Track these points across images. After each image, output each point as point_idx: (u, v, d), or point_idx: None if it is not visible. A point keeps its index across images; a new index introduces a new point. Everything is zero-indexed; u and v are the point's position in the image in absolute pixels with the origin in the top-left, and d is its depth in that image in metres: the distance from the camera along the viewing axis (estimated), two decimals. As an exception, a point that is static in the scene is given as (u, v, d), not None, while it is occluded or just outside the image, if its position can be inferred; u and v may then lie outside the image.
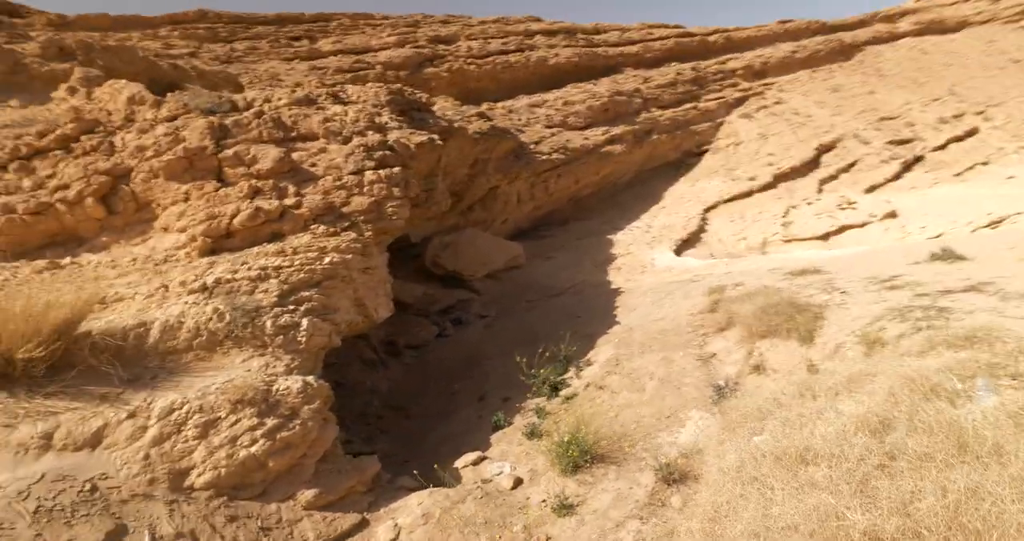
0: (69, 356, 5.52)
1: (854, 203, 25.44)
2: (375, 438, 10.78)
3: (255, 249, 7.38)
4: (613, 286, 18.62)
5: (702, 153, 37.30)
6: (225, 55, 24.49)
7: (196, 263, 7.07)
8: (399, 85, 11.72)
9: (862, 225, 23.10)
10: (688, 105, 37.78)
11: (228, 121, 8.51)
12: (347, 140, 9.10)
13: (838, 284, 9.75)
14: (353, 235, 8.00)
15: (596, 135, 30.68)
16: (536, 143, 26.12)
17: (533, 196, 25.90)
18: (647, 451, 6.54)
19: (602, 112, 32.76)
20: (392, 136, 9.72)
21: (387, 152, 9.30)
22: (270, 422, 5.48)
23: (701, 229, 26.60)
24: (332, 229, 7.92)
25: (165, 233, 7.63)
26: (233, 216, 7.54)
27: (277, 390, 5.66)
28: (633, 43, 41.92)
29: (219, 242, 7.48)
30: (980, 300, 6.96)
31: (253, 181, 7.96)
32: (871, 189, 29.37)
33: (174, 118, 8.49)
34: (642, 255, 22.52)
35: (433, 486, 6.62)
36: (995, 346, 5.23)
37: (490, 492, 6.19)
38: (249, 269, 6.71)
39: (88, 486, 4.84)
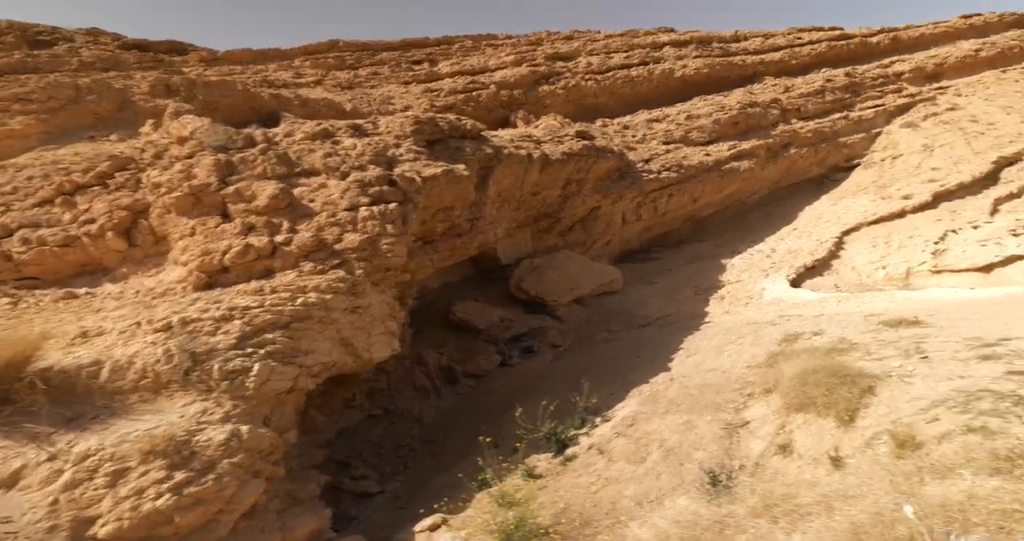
0: (14, 392, 5.85)
1: (1035, 230, 20.93)
2: (396, 475, 10.58)
3: (238, 287, 7.55)
4: (706, 320, 16.98)
5: (852, 168, 33.25)
6: (348, 81, 26.29)
7: (181, 299, 7.37)
8: (433, 113, 11.55)
9: (1039, 257, 18.89)
10: (837, 115, 33.89)
11: (236, 158, 8.88)
12: (345, 175, 9.08)
13: (927, 345, 7.84)
14: (341, 273, 7.89)
15: (720, 151, 28.51)
16: (647, 161, 24.80)
17: (640, 217, 24.60)
18: (604, 543, 5.58)
19: (731, 126, 30.39)
20: (401, 169, 9.52)
21: (385, 187, 9.12)
22: (179, 476, 5.39)
23: (833, 255, 23.50)
24: (320, 267, 7.88)
25: (175, 266, 8.10)
26: (225, 252, 7.78)
27: (197, 441, 5.59)
28: (777, 49, 38.57)
29: (216, 277, 7.75)
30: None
31: (251, 217, 8.19)
32: (1068, 211, 24.06)
33: (192, 155, 9.06)
34: (752, 284, 20.34)
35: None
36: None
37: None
38: (219, 308, 6.84)
39: (-6, 524, 5.03)
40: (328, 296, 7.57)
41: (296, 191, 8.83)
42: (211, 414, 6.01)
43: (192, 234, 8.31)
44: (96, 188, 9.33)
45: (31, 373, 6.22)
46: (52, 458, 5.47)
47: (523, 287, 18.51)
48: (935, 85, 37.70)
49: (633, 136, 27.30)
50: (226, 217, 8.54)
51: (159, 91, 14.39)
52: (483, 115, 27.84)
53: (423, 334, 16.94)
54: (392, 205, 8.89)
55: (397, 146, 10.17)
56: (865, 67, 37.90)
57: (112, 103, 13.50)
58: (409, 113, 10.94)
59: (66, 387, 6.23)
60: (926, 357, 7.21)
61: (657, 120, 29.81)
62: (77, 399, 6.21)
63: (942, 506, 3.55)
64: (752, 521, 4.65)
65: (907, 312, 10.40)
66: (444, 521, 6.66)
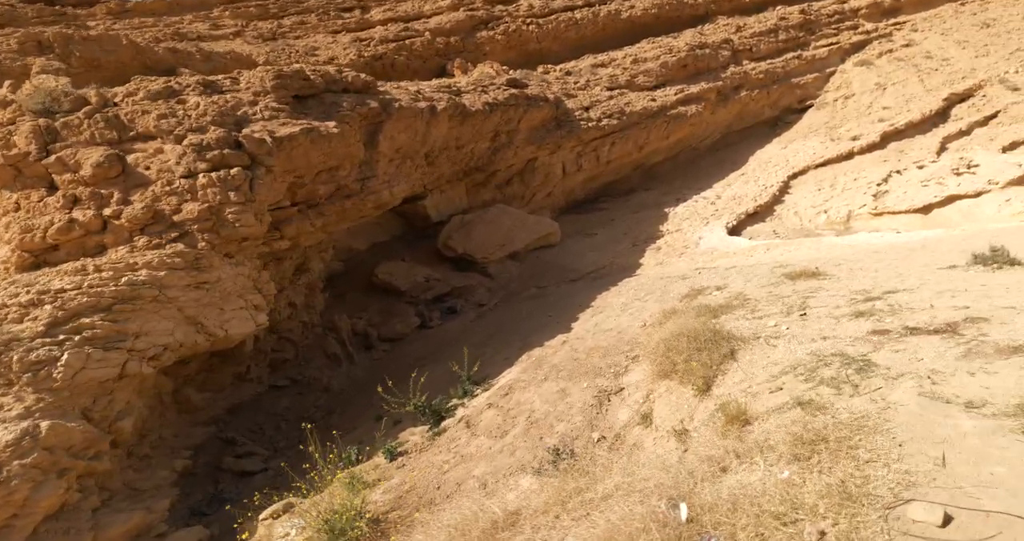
0: None
1: (975, 167, 20.70)
2: (289, 450, 10.13)
3: (61, 267, 6.79)
4: (636, 273, 16.59)
5: (805, 109, 32.59)
6: (270, 32, 24.57)
7: (-5, 281, 6.63)
8: (300, 66, 10.49)
9: (976, 195, 18.73)
10: (791, 55, 32.95)
11: (59, 123, 7.89)
12: (180, 139, 8.15)
13: (815, 300, 7.45)
14: (180, 247, 7.16)
15: (667, 95, 27.58)
16: (586, 109, 23.84)
17: (581, 167, 23.85)
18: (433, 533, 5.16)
19: (679, 69, 29.34)
20: (250, 129, 8.61)
21: (227, 150, 8.23)
22: (-44, 482, 4.81)
23: (776, 200, 23.17)
24: (156, 241, 7.14)
25: (1, 245, 7.29)
26: (47, 228, 6.98)
27: (-24, 443, 4.99)
28: (731, -14, 37.07)
29: (43, 256, 6.99)
30: (930, 355, 4.68)
31: (77, 189, 7.34)
32: (1013, 146, 23.85)
33: (13, 121, 8.04)
34: (690, 233, 19.97)
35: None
36: (835, 467, 3.26)
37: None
38: (29, 292, 6.12)
39: None
40: (162, 273, 6.87)
41: (130, 158, 7.94)
42: (8, 410, 5.39)
43: (16, 209, 7.45)
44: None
45: None
46: None
47: (450, 244, 17.88)
48: (892, 21, 36.78)
49: (575, 83, 26.20)
50: (53, 189, 7.67)
51: (29, 48, 13.04)
52: (418, 65, 26.43)
53: (345, 298, 16.31)
54: (235, 170, 8.05)
55: (253, 104, 9.22)
56: (821, 3, 36.72)
57: (-29, 61, 12.20)
58: (269, 67, 9.90)
59: None
60: (804, 315, 6.81)
61: (603, 65, 28.64)
62: None
63: (713, 506, 3.12)
64: (541, 516, 4.24)
65: (814, 262, 10.03)
66: (290, 506, 6.23)
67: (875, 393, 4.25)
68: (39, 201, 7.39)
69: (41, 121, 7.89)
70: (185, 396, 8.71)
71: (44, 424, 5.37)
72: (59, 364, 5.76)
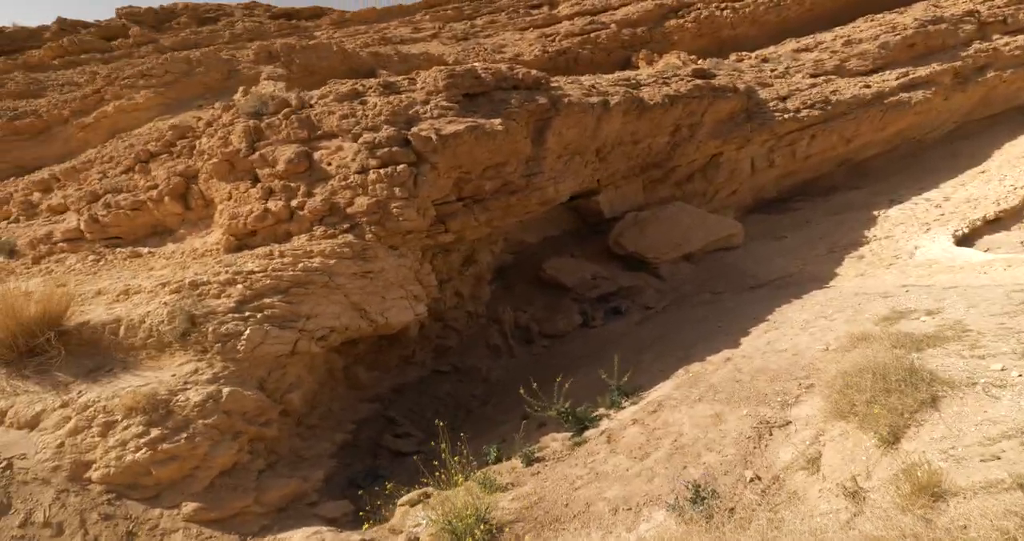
0: (51, 344, 6.46)
1: None
2: (438, 437, 10.57)
3: (254, 251, 7.64)
4: (829, 284, 14.72)
5: (1077, 92, 26.37)
6: (463, 32, 25.81)
7: (208, 261, 7.66)
8: (472, 65, 10.53)
9: None
10: (1061, 24, 26.81)
11: (264, 123, 8.88)
12: (357, 137, 8.63)
13: (1062, 340, 5.84)
14: (349, 237, 7.66)
15: (886, 80, 24.06)
16: (783, 99, 21.62)
17: (773, 162, 21.74)
18: (553, 554, 4.94)
19: (904, 49, 25.40)
20: (418, 128, 8.83)
21: (396, 148, 8.53)
22: (155, 432, 5.67)
23: (1028, 206, 19.00)
24: (331, 231, 7.71)
25: (217, 229, 8.45)
26: (247, 216, 7.89)
27: (176, 401, 5.79)
28: (982, -55, 31.11)
29: (245, 240, 7.95)
30: None
31: (272, 182, 8.19)
32: None
33: (232, 123, 9.23)
34: (904, 241, 17.19)
35: (351, 526, 6.16)
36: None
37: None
38: (228, 272, 6.98)
39: (5, 462, 5.65)
40: (332, 261, 7.47)
41: (316, 154, 8.75)
42: (200, 374, 6.24)
43: (229, 199, 8.63)
44: (164, 156, 10.06)
45: (69, 327, 6.88)
46: (65, 405, 6.05)
47: (621, 242, 17.35)
48: None
49: (772, 71, 23.91)
50: (256, 182, 8.73)
51: (262, 58, 15.10)
52: (602, 58, 26.06)
53: (513, 291, 16.64)
54: (401, 166, 8.44)
55: (426, 102, 9.61)
56: (1113, -44, 29.25)
57: (219, 73, 14.45)
58: (443, 67, 10.26)
59: (94, 341, 6.83)
60: (1045, 359, 5.34)
61: (807, 49, 25.80)
62: (101, 353, 6.78)
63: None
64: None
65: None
66: (426, 496, 6.41)
67: None
68: (244, 192, 8.52)
69: (251, 122, 9.09)
70: (354, 373, 9.49)
71: (226, 390, 6.14)
72: (242, 338, 6.55)
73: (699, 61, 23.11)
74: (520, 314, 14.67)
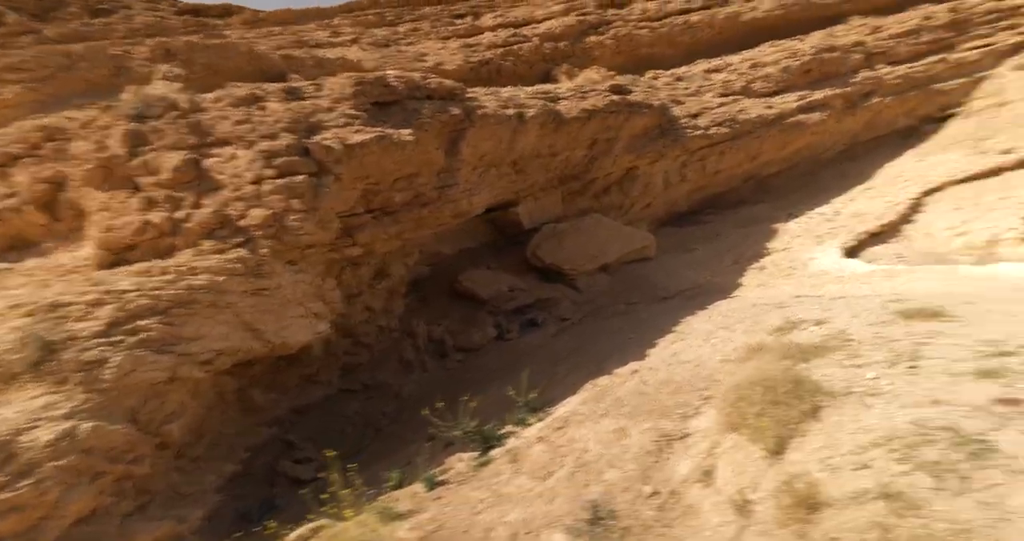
0: None
1: None
2: (350, 456, 10.12)
3: (129, 267, 7.07)
4: (733, 294, 15.38)
5: (947, 118, 29.05)
6: (385, 39, 25.40)
7: (76, 279, 7.00)
8: (383, 73, 10.39)
9: None
10: (934, 58, 29.51)
11: (147, 127, 8.30)
12: (251, 145, 8.27)
13: (930, 348, 6.28)
14: (242, 252, 7.24)
15: (786, 102, 25.64)
16: (694, 116, 22.58)
17: (685, 177, 22.63)
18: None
19: (802, 74, 27.19)
20: (320, 136, 8.57)
21: (295, 157, 8.25)
22: (-7, 480, 5.00)
23: (905, 219, 20.68)
24: (222, 245, 7.27)
25: (89, 243, 7.77)
26: (124, 229, 7.32)
27: (20, 442, 5.17)
28: (869, -17, 33.87)
29: (122, 255, 7.34)
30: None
31: (155, 191, 7.65)
32: None
33: (110, 125, 8.58)
34: (800, 252, 18.27)
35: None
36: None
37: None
38: (97, 291, 6.40)
39: None
40: (221, 278, 6.99)
41: (207, 162, 8.22)
42: (54, 409, 5.59)
43: (104, 209, 7.94)
44: (27, 159, 9.17)
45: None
46: None
47: (538, 254, 17.47)
48: (1065, 17, 31.97)
49: (686, 88, 24.93)
50: (137, 191, 8.10)
51: (158, 56, 14.11)
52: (525, 70, 26.30)
53: (428, 304, 16.36)
54: (300, 177, 8.11)
55: (331, 110, 9.30)
56: (974, 0, 32.60)
57: (106, 69, 13.35)
58: (352, 74, 9.97)
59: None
60: (915, 367, 5.72)
61: (717, 70, 27.10)
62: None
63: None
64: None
65: (938, 298, 8.60)
66: (317, 531, 6.06)
67: (990, 492, 3.33)
68: (122, 202, 7.85)
69: (132, 125, 8.42)
70: (249, 396, 8.95)
71: (85, 425, 5.53)
72: (109, 365, 5.96)
73: (617, 77, 23.77)
74: (435, 327, 14.44)
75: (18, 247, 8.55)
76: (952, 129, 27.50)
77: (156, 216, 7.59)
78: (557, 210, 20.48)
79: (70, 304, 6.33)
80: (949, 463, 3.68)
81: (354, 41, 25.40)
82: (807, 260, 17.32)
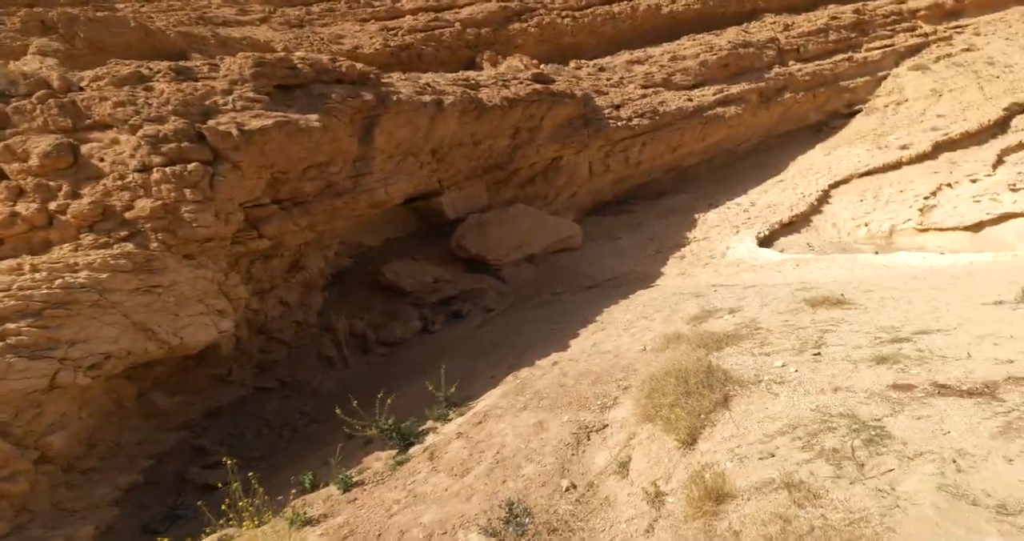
0: None
1: (1036, 184, 19.06)
2: (261, 461, 9.62)
3: (0, 264, 6.36)
4: (655, 283, 15.72)
5: (853, 114, 30.83)
6: (298, 19, 24.28)
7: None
8: (285, 53, 9.91)
9: (1034, 215, 17.18)
10: (840, 56, 31.22)
11: (10, 108, 7.45)
12: (135, 129, 7.62)
13: (833, 335, 6.54)
14: (130, 247, 6.66)
15: (705, 95, 26.38)
16: (617, 107, 22.86)
17: (609, 167, 22.91)
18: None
19: (720, 68, 28.04)
20: (216, 121, 8.01)
21: (186, 143, 7.67)
22: None
23: (814, 210, 21.82)
24: (105, 240, 6.65)
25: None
26: (-11, 221, 6.58)
27: None
28: (781, -18, 35.35)
29: (-13, 251, 6.59)
30: (960, 428, 3.81)
31: (25, 180, 6.90)
32: (1081, 163, 22.03)
33: None
34: (718, 242, 18.91)
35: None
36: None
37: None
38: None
39: None
40: (104, 275, 6.38)
41: (84, 148, 7.47)
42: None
43: (-34, 200, 7.08)
44: None
45: None
46: None
47: (463, 244, 17.24)
48: (952, 23, 34.60)
49: (608, 79, 25.21)
50: (3, 179, 7.25)
51: (33, 29, 12.79)
52: (447, 56, 25.83)
53: (350, 297, 15.82)
54: (192, 165, 7.52)
55: (228, 93, 8.67)
56: (877, 3, 34.73)
57: (-30, 41, 12.01)
58: (250, 53, 9.31)
59: None
60: (819, 354, 5.93)
61: (638, 61, 27.56)
62: None
63: None
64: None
65: (841, 286, 9.04)
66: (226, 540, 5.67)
67: (884, 478, 3.42)
68: (-15, 192, 7.00)
69: (-8, 105, 7.50)
70: (151, 401, 8.29)
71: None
72: (-24, 373, 5.32)
73: (540, 66, 23.74)
74: (356, 321, 13.97)
75: None
76: (857, 124, 29.23)
77: (25, 207, 6.81)
78: (482, 200, 20.27)
79: (-79, 307, 5.59)
80: (847, 450, 3.78)
81: (264, 20, 24.14)
82: (724, 249, 17.95)
